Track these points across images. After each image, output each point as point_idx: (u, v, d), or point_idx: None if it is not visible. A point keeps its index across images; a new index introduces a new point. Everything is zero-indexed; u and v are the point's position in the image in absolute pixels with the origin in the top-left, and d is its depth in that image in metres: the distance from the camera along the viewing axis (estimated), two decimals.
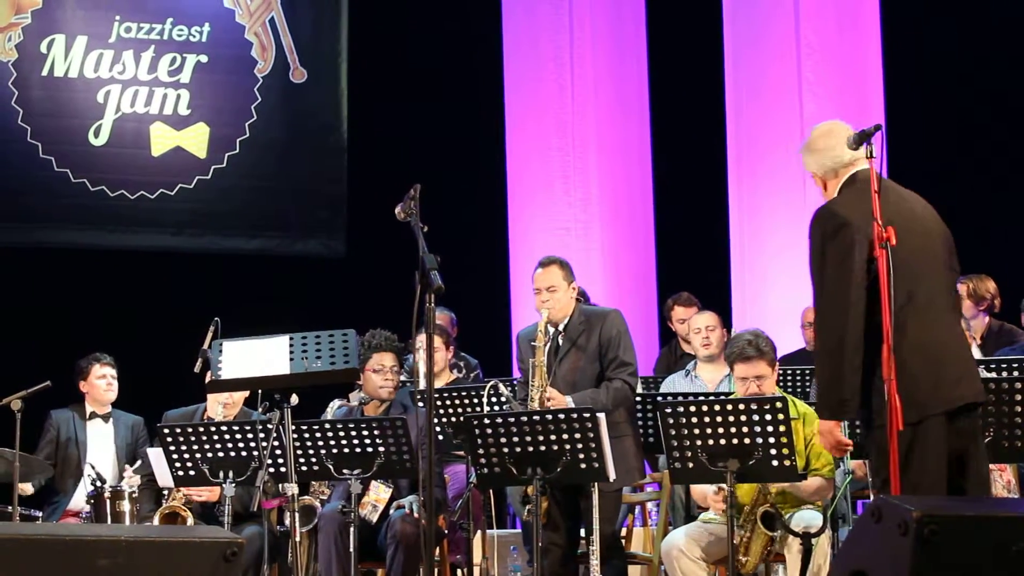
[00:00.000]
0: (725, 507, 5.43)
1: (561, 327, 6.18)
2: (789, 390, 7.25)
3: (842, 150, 4.63)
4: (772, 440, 5.36)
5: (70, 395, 7.69)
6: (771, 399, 5.47)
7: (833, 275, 4.41)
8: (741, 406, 5.41)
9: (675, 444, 5.46)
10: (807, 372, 7.44)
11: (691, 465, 5.45)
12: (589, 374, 6.09)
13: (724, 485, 5.43)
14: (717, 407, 5.43)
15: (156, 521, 6.35)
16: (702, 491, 5.96)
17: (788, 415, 5.39)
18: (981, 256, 8.55)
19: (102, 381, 7.58)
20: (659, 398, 6.54)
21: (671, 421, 5.44)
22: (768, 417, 5.36)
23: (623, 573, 6.14)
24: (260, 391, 6.45)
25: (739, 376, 5.95)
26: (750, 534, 5.70)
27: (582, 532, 6.03)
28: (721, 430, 5.40)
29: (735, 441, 5.39)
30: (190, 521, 6.33)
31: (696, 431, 5.42)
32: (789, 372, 7.52)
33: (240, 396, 6.69)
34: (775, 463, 5.38)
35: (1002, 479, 5.79)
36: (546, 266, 6.20)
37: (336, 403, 7.02)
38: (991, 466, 5.75)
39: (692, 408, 5.45)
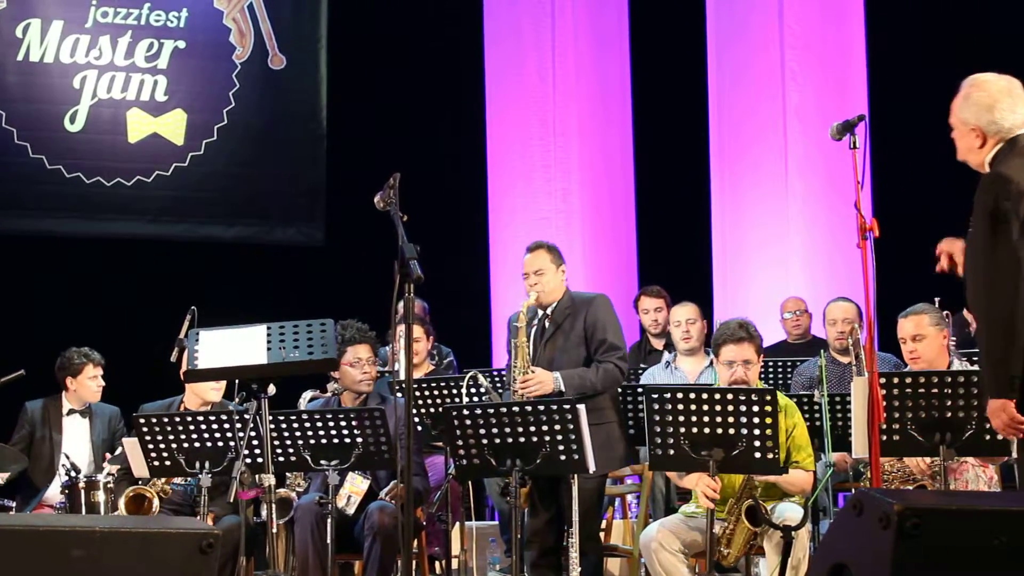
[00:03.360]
0: (711, 497, 5.41)
1: (548, 310, 6.22)
2: (771, 382, 7.24)
3: (1014, 114, 4.43)
4: (757, 432, 5.35)
5: (46, 385, 7.57)
6: (760, 391, 5.46)
7: (1007, 244, 4.23)
8: (729, 396, 5.40)
9: (658, 431, 5.45)
10: (788, 364, 7.43)
11: (672, 452, 5.44)
12: (574, 358, 6.12)
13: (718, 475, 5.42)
14: (705, 395, 5.42)
15: (122, 504, 6.27)
16: (694, 476, 5.90)
17: (776, 408, 5.38)
18: None
19: (93, 383, 7.45)
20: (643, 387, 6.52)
21: (656, 407, 5.43)
22: (756, 409, 5.34)
23: (599, 567, 6.12)
24: (237, 381, 6.41)
25: (726, 359, 5.90)
26: (733, 527, 5.68)
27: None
28: (707, 419, 5.39)
29: (719, 431, 5.38)
30: (156, 503, 6.26)
31: (681, 419, 5.41)
32: (771, 364, 7.50)
33: (221, 384, 6.60)
34: (758, 455, 5.37)
35: (985, 475, 5.77)
36: (533, 251, 6.29)
37: (308, 394, 6.96)
38: (972, 462, 5.74)
39: (679, 395, 5.44)
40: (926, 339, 5.93)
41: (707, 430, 5.38)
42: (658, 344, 8.15)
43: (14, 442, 7.36)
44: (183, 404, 6.64)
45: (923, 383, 5.34)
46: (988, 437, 5.27)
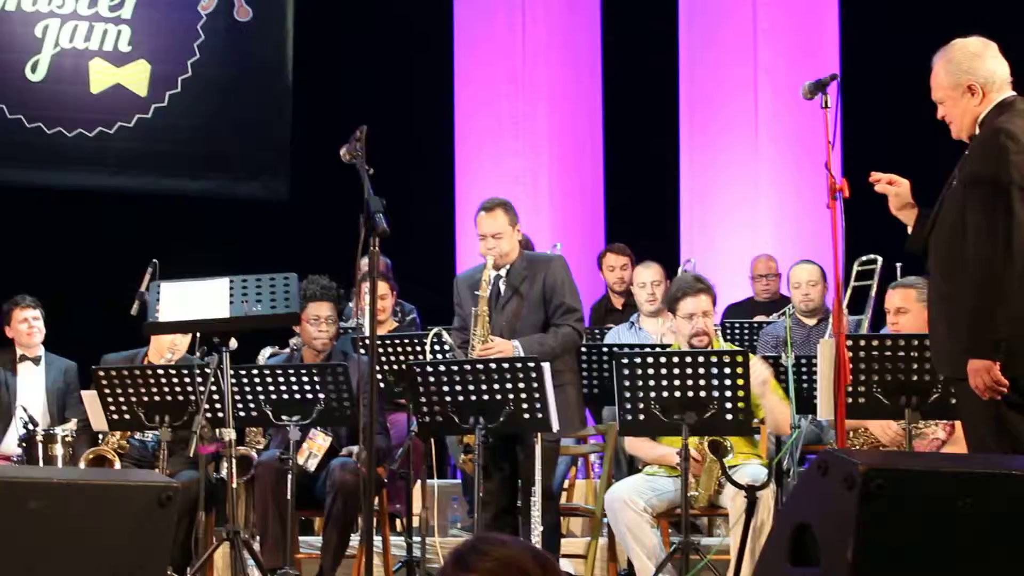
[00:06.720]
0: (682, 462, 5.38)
1: (503, 272, 6.00)
2: (737, 342, 7.22)
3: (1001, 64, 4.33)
4: (728, 393, 5.31)
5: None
6: (732, 352, 5.43)
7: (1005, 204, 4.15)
8: (700, 358, 5.35)
9: (628, 396, 5.38)
10: (755, 326, 7.41)
11: (642, 417, 5.39)
12: (532, 321, 5.95)
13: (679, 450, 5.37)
14: (676, 359, 5.36)
15: (82, 465, 6.21)
16: (657, 454, 5.86)
17: (748, 369, 5.34)
18: None
19: (24, 325, 7.43)
20: (615, 349, 6.48)
21: (625, 372, 5.36)
22: (727, 371, 5.30)
23: (557, 528, 6.08)
24: (198, 335, 6.34)
25: (687, 312, 5.85)
26: (700, 466, 5.66)
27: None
28: (678, 382, 5.33)
29: (690, 394, 5.32)
30: (117, 465, 6.21)
31: (651, 383, 5.34)
32: (737, 325, 7.47)
33: (184, 342, 6.53)
34: (729, 416, 5.34)
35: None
36: (490, 210, 5.98)
37: (267, 351, 6.89)
38: (944, 437, 5.73)
39: (649, 360, 5.37)
40: (909, 313, 5.88)
41: (678, 393, 5.32)
42: (618, 303, 8.10)
43: None
44: (147, 357, 6.57)
45: (890, 346, 5.32)
46: (954, 400, 5.26)
